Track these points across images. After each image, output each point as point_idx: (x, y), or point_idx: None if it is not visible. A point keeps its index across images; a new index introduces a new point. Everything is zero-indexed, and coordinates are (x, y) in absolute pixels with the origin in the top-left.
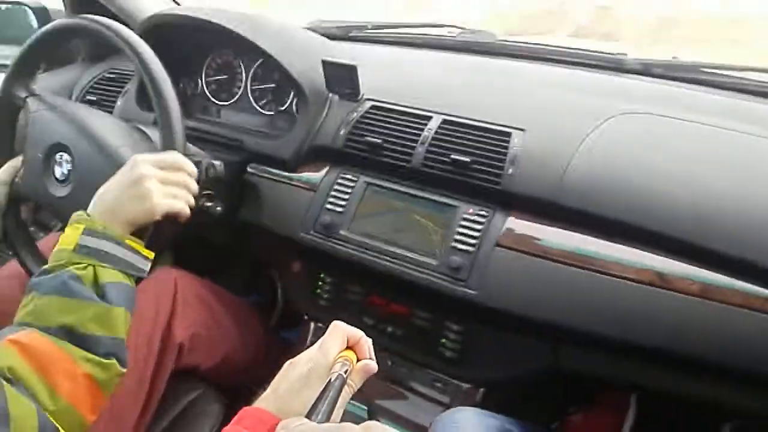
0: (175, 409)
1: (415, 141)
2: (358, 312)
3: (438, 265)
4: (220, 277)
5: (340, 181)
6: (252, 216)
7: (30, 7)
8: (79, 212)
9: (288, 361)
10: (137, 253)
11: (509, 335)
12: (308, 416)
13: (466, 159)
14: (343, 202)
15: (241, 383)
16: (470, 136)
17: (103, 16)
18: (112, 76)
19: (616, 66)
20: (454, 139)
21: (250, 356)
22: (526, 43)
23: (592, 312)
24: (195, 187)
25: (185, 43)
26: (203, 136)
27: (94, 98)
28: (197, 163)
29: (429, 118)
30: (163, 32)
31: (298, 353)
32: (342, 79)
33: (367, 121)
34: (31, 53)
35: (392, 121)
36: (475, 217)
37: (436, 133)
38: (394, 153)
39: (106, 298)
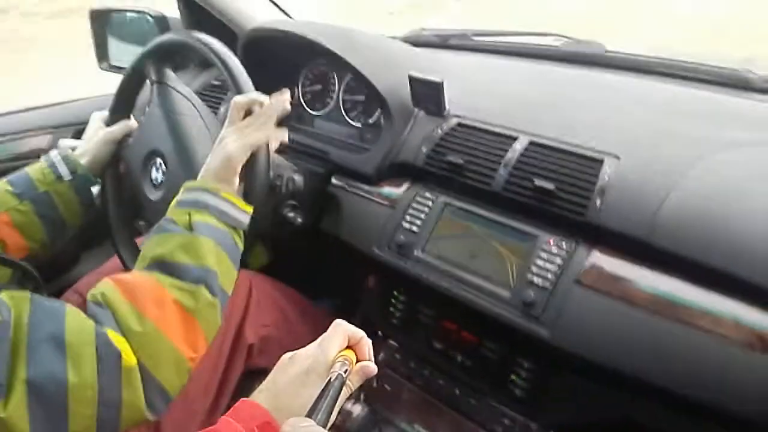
0: None
1: (498, 163)
2: (429, 335)
3: (511, 298)
4: (300, 281)
5: (418, 199)
6: (331, 227)
7: (151, 16)
8: (188, 181)
9: (287, 355)
10: (233, 204)
11: (583, 380)
12: (309, 415)
13: (550, 186)
14: (419, 222)
15: None
16: (557, 161)
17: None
18: (217, 83)
19: (740, 84)
20: (539, 164)
21: None
22: (638, 55)
23: (677, 370)
24: (266, 119)
25: (284, 54)
26: (292, 145)
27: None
28: (279, 176)
29: (515, 138)
30: (263, 44)
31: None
32: (428, 95)
33: (450, 139)
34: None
35: (476, 140)
36: (555, 249)
37: (521, 155)
38: (475, 175)
39: (193, 231)
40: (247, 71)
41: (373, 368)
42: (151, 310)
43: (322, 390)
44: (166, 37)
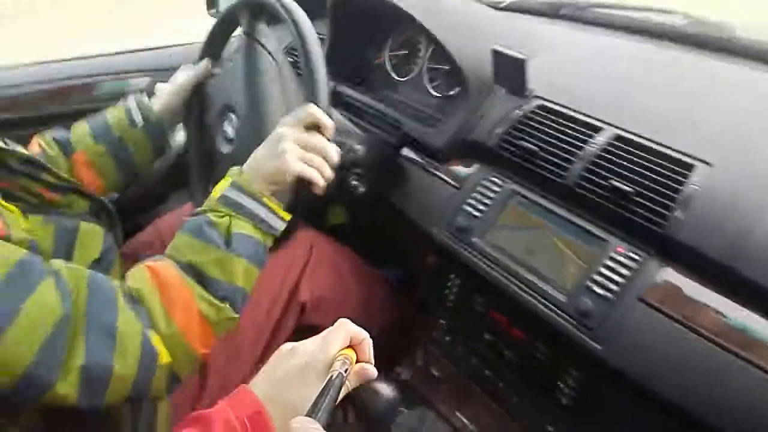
0: None
1: (575, 155)
2: (480, 324)
3: (566, 304)
4: (363, 247)
5: (485, 183)
6: (395, 200)
7: None
8: (236, 167)
9: (287, 346)
10: (272, 211)
11: (635, 400)
12: (309, 413)
13: (628, 188)
14: (482, 207)
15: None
16: (640, 161)
17: None
18: None
19: None
20: (619, 161)
21: (375, 327)
22: None
23: (737, 414)
24: (333, 155)
25: (372, 15)
26: (367, 110)
27: (291, 60)
28: (340, 144)
29: (598, 129)
30: (351, 6)
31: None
32: (510, 72)
33: (528, 122)
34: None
35: (555, 126)
36: (624, 259)
37: (601, 149)
38: (548, 165)
39: (231, 247)
40: (336, 32)
41: (373, 371)
42: (178, 315)
43: (323, 388)
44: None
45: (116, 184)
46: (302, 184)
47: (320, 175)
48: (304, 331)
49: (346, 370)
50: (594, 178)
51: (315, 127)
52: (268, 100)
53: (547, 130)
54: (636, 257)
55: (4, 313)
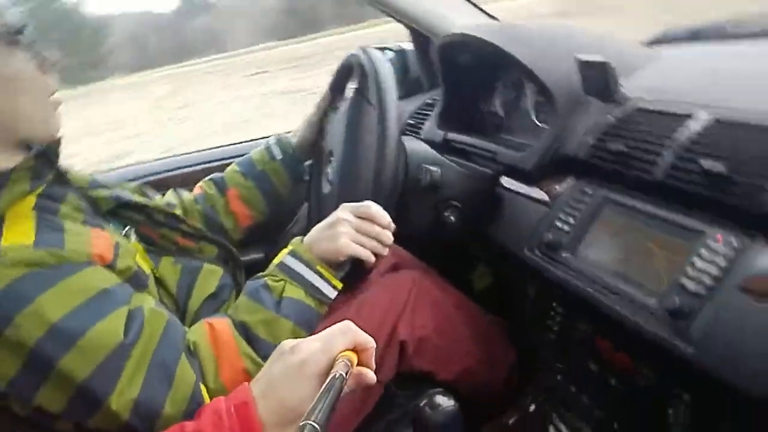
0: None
1: (663, 146)
2: (585, 354)
3: (656, 306)
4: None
5: (576, 195)
6: (487, 229)
7: (391, 50)
8: (298, 237)
9: (288, 342)
10: (326, 280)
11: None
12: (308, 416)
13: (721, 169)
14: (572, 220)
15: (487, 400)
16: (735, 141)
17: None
18: (430, 101)
19: None
20: (711, 143)
21: (494, 373)
22: None
23: None
24: (387, 238)
25: (478, 63)
26: (471, 150)
27: (413, 122)
28: (420, 171)
29: (689, 116)
30: (454, 50)
31: None
32: (596, 78)
33: (619, 125)
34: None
35: (646, 123)
36: (722, 248)
37: (694, 134)
38: (637, 162)
39: (280, 309)
40: (448, 87)
41: (372, 377)
42: (225, 371)
43: (323, 389)
44: (363, 58)
45: (263, 212)
46: (356, 261)
47: (372, 255)
48: (409, 377)
49: (347, 372)
50: (685, 165)
51: (369, 216)
52: (362, 146)
53: (636, 128)
54: (735, 244)
55: (72, 333)
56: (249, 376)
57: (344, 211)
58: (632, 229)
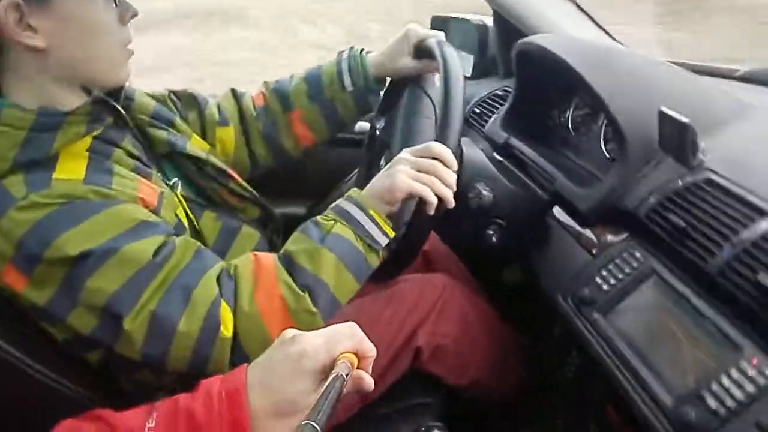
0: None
1: (727, 239)
2: (592, 416)
3: (671, 410)
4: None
5: (624, 256)
6: (528, 257)
7: (473, 23)
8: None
9: (290, 331)
10: (377, 224)
11: None
12: (309, 416)
13: None
14: (614, 281)
15: (495, 409)
16: None
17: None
18: (500, 93)
19: None
20: None
21: (505, 387)
22: None
23: None
24: (449, 176)
25: (557, 75)
26: (530, 164)
27: (478, 111)
28: (470, 188)
29: (760, 211)
30: (537, 63)
31: None
32: (675, 137)
33: (685, 194)
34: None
35: (714, 203)
36: (755, 374)
37: (760, 236)
38: (695, 245)
39: (324, 242)
40: (521, 89)
41: (370, 383)
42: (261, 296)
43: (324, 390)
44: (430, 40)
45: (324, 137)
46: (416, 204)
47: (432, 193)
48: (420, 377)
49: (347, 374)
50: (741, 268)
51: (431, 154)
52: (419, 136)
53: (704, 206)
54: (766, 372)
55: (106, 253)
56: (284, 302)
57: (404, 152)
58: (671, 314)
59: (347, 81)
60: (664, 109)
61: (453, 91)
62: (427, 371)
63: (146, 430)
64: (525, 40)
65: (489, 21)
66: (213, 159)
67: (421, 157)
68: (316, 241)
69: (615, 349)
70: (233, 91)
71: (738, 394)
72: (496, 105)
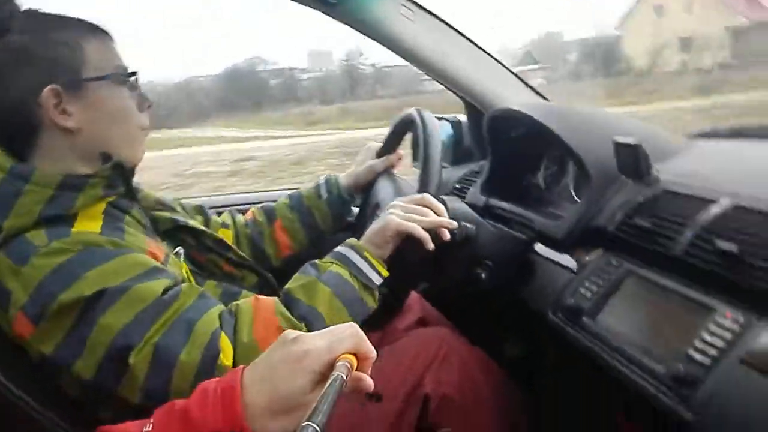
0: None
1: (686, 225)
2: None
3: (663, 374)
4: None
5: (602, 266)
6: (515, 289)
7: (448, 120)
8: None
9: (291, 332)
10: (371, 264)
11: None
12: (309, 417)
13: (734, 249)
14: (595, 288)
15: None
16: (752, 226)
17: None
18: (477, 170)
19: None
20: (730, 226)
21: None
22: None
23: None
24: (435, 217)
25: (528, 138)
26: (509, 216)
27: (459, 186)
28: (456, 228)
29: (712, 201)
30: (503, 123)
31: None
32: (630, 159)
33: (647, 204)
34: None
35: (671, 203)
36: (730, 323)
37: (714, 217)
38: (659, 237)
39: (320, 277)
40: (495, 156)
41: (370, 384)
42: (259, 328)
43: (324, 391)
44: (415, 116)
45: (303, 244)
46: (402, 238)
47: (421, 230)
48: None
49: (347, 376)
50: (702, 244)
51: (417, 201)
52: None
53: (663, 208)
54: (741, 320)
55: (119, 289)
56: (281, 333)
57: (394, 201)
58: (650, 301)
59: (323, 190)
60: (617, 138)
61: (431, 143)
62: (433, 426)
63: None
64: (496, 108)
65: (462, 118)
66: (211, 231)
67: (409, 203)
68: (312, 275)
69: (608, 344)
70: (230, 211)
71: (719, 342)
72: (474, 180)
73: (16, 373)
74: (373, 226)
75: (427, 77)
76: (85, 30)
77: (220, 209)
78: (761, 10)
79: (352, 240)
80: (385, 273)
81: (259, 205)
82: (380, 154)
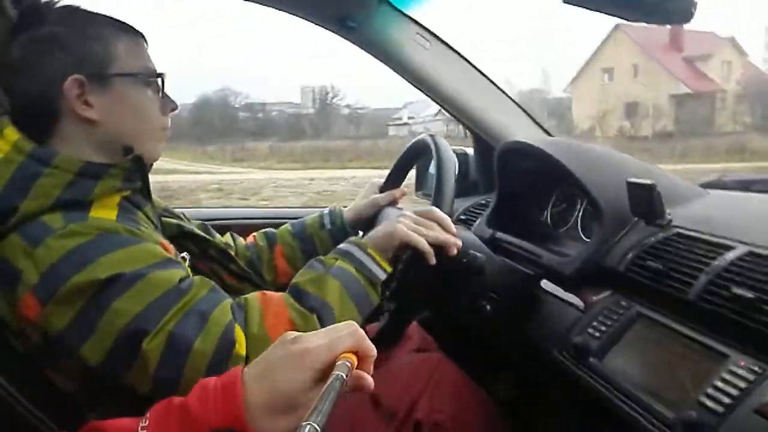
0: None
1: (701, 271)
2: None
3: (673, 420)
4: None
5: (611, 306)
6: (521, 324)
7: (456, 152)
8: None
9: (291, 333)
10: (374, 260)
11: None
12: (309, 417)
13: (750, 295)
14: (604, 328)
15: None
16: (766, 271)
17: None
18: (483, 203)
19: None
20: (745, 272)
21: None
22: None
23: None
24: (442, 233)
25: (537, 174)
26: (517, 251)
27: (464, 217)
28: (464, 254)
29: (729, 248)
30: (511, 157)
31: None
32: (643, 200)
33: (659, 245)
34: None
35: (686, 248)
36: (744, 372)
37: (729, 264)
38: (674, 282)
39: (329, 271)
40: (503, 191)
41: (370, 383)
42: (270, 320)
43: (324, 390)
44: (420, 139)
45: None
46: (408, 248)
47: (426, 245)
48: None
49: (347, 375)
50: (717, 289)
51: (426, 215)
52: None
53: (677, 251)
54: (756, 369)
55: (135, 275)
56: (293, 324)
57: (406, 211)
58: (661, 344)
59: (326, 220)
60: (631, 179)
61: (445, 166)
62: None
63: (139, 429)
64: (508, 141)
65: (469, 151)
66: (216, 241)
67: (419, 215)
68: (321, 270)
69: (616, 386)
70: (231, 233)
71: (732, 390)
72: (481, 212)
73: (3, 370)
74: (379, 229)
75: (392, 122)
76: (118, 28)
77: (219, 222)
78: (704, 79)
79: (356, 238)
80: (389, 269)
81: (261, 231)
82: (383, 188)
